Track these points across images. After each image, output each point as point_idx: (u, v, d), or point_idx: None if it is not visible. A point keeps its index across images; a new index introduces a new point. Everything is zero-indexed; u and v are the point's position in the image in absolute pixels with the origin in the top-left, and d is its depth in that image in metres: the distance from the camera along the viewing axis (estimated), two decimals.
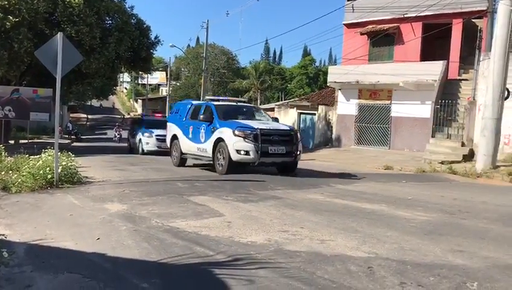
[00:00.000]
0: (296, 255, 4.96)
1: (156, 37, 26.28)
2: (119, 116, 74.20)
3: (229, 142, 11.15)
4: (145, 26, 25.54)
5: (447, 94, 18.62)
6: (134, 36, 23.64)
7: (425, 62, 20.18)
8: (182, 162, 14.02)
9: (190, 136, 13.20)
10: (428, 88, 19.00)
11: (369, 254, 5.07)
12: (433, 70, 19.10)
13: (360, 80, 21.87)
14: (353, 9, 23.29)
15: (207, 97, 15.17)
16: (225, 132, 11.44)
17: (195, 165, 14.44)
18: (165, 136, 14.91)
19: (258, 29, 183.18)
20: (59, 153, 9.83)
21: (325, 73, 27.17)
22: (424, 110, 19.43)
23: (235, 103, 14.30)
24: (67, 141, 32.34)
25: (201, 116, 12.35)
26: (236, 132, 11.14)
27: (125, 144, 28.00)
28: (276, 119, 14.23)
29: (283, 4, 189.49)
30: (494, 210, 7.82)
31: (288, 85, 71.38)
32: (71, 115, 56.27)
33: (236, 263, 4.68)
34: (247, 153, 10.98)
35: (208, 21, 35.18)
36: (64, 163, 10.00)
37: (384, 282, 4.23)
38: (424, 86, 19.42)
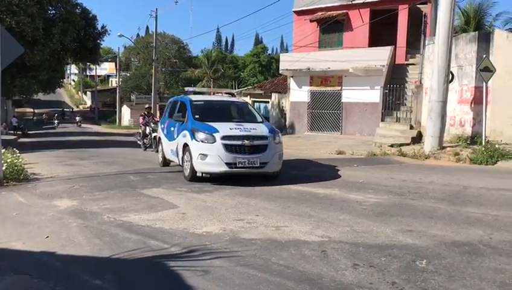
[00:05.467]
0: (251, 243, 4.99)
1: (102, 27, 25.44)
2: (68, 110, 71.86)
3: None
4: (91, 15, 24.65)
5: (395, 79, 19.11)
6: (80, 26, 22.77)
7: (374, 48, 20.57)
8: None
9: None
10: (377, 73, 19.44)
11: (323, 238, 5.16)
12: (381, 55, 19.54)
13: (311, 67, 22.08)
14: None
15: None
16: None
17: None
18: (245, 139, 8.86)
19: (209, 17, 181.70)
20: (3, 150, 9.41)
21: (278, 61, 27.26)
22: (374, 95, 19.89)
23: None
24: (12, 137, 31.02)
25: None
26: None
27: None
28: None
29: None
30: (441, 190, 8.13)
31: (242, 74, 71.19)
32: (16, 109, 53.97)
33: (192, 255, 4.65)
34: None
35: (156, 9, 34.59)
36: (9, 160, 9.60)
37: (337, 265, 4.32)
38: (372, 71, 19.85)
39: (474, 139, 13.92)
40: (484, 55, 13.65)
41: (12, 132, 34.89)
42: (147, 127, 17.78)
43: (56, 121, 47.40)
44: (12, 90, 36.37)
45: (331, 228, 5.55)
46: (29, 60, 20.17)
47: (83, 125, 50.56)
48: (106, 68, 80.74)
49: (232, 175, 8.86)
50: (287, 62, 23.42)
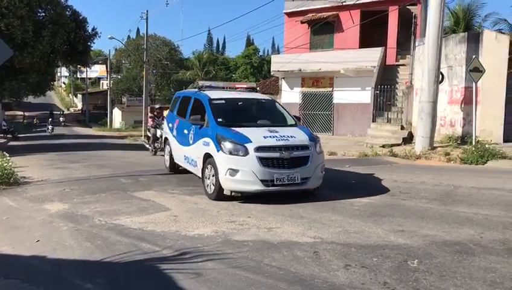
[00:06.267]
0: (243, 245, 4.98)
1: (93, 29, 25.32)
2: (58, 112, 71.38)
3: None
4: (81, 18, 24.52)
5: (386, 80, 19.20)
6: (70, 29, 22.63)
7: (364, 49, 20.69)
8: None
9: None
10: (368, 74, 19.52)
11: (315, 239, 5.17)
12: (371, 56, 19.63)
13: (303, 68, 22.12)
14: None
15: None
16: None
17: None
18: (284, 150, 7.22)
19: (200, 19, 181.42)
20: None
21: (269, 62, 27.32)
22: (365, 95, 19.97)
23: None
24: (2, 141, 30.75)
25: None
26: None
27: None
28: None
29: None
30: (433, 190, 8.17)
31: (233, 75, 71.24)
32: (6, 113, 53.54)
33: (184, 257, 4.64)
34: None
35: (147, 11, 34.35)
36: None
37: (329, 265, 4.33)
38: (363, 72, 19.94)
39: (464, 139, 14.01)
40: (474, 56, 13.76)
41: (2, 135, 34.60)
42: (158, 130, 16.23)
43: (50, 127, 40.56)
44: (2, 93, 36.11)
45: (323, 229, 5.56)
46: (19, 62, 20.04)
47: (74, 128, 50.25)
48: (97, 70, 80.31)
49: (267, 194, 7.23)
50: (278, 63, 23.46)
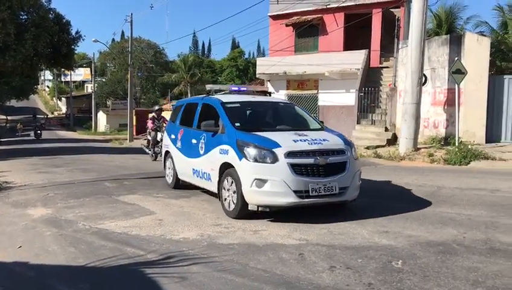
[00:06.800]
0: (229, 248, 4.98)
1: (77, 32, 25.15)
2: (42, 116, 70.59)
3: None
4: (64, 21, 24.34)
5: (370, 82, 19.33)
6: (54, 32, 22.45)
7: (349, 52, 20.82)
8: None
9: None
10: (352, 76, 19.66)
11: (300, 241, 5.18)
12: (356, 59, 19.78)
13: (288, 71, 22.20)
14: (278, 1, 23.54)
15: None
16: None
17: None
18: (318, 155, 6.25)
19: (185, 21, 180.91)
20: None
21: (255, 65, 27.38)
22: (349, 98, 20.08)
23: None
24: None
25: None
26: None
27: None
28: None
29: None
30: (416, 190, 8.25)
31: (219, 78, 71.22)
32: None
33: (169, 261, 4.62)
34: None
35: (131, 14, 34.18)
36: None
37: (315, 267, 4.34)
38: (348, 74, 20.07)
39: (447, 140, 14.19)
40: (456, 58, 13.95)
41: None
42: (159, 133, 15.13)
43: (38, 132, 37.15)
44: None
45: (308, 231, 5.58)
46: (1, 66, 19.85)
47: (58, 132, 49.73)
48: (81, 74, 79.65)
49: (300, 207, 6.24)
50: (263, 66, 23.52)
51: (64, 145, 27.94)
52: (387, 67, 20.15)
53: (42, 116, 69.04)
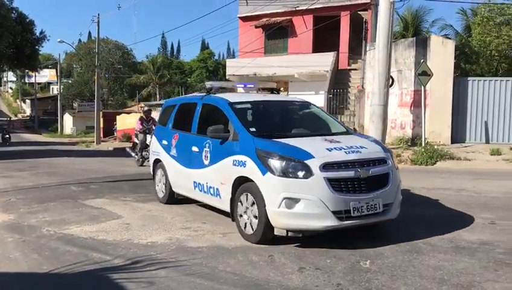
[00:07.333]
0: (197, 252, 4.92)
1: (41, 32, 24.65)
2: (5, 119, 68.53)
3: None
4: (28, 20, 23.79)
5: (339, 84, 19.54)
6: (16, 31, 21.87)
7: (318, 54, 21.02)
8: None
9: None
10: (321, 78, 19.84)
11: (270, 243, 5.15)
12: (324, 61, 19.98)
13: (258, 73, 22.24)
14: (247, 3, 23.55)
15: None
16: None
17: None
18: (359, 166, 5.10)
19: (153, 22, 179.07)
20: None
21: (225, 66, 27.28)
22: (319, 99, 20.11)
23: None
24: None
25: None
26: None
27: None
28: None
29: None
30: None
31: (188, 79, 70.74)
32: None
33: (136, 266, 4.52)
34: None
35: (98, 15, 33.50)
36: None
37: (284, 269, 4.34)
38: (317, 76, 20.26)
39: (414, 141, 14.46)
40: (422, 60, 14.25)
41: None
42: (148, 136, 13.60)
43: (7, 136, 33.24)
44: None
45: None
46: None
47: (22, 135, 48.39)
48: (46, 75, 77.71)
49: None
50: (233, 68, 23.50)
51: (29, 148, 27.13)
52: (356, 69, 20.41)
53: (5, 119, 67.03)
